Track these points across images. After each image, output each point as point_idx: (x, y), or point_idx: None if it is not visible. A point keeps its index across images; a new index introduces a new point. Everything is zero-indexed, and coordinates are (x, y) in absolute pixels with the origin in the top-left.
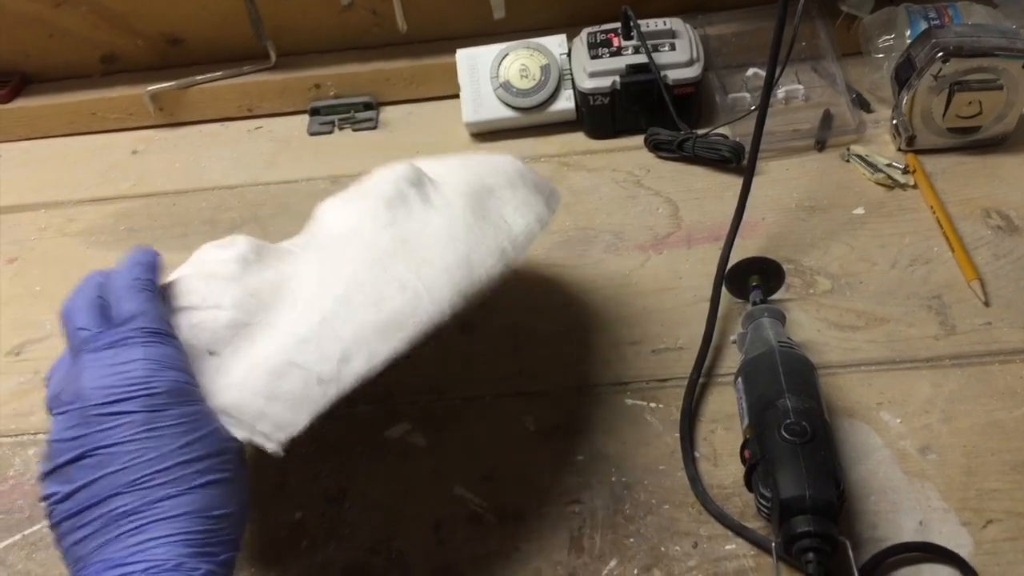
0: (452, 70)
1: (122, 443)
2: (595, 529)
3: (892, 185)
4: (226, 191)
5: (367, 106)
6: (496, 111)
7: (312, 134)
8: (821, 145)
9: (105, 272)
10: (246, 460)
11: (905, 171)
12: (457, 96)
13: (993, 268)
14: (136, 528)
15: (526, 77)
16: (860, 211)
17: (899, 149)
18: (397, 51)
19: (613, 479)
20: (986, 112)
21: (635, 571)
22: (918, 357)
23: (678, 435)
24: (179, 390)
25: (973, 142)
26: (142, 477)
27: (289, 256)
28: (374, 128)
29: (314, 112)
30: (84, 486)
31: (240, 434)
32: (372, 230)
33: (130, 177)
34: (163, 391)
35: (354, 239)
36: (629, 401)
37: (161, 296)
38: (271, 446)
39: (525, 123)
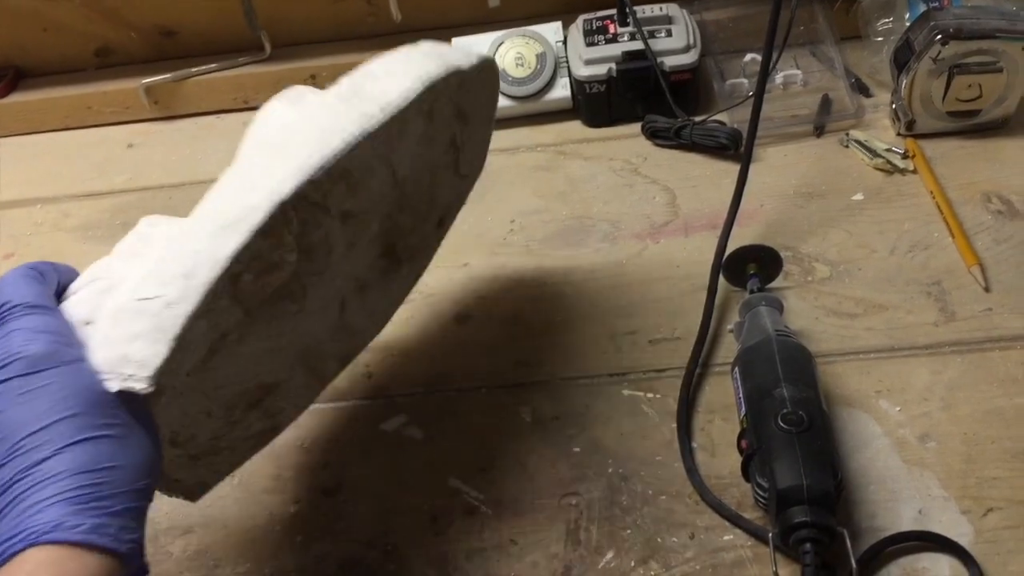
0: None
1: (2, 411)
2: (592, 521)
3: (891, 170)
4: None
5: None
6: None
7: None
8: (820, 130)
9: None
10: (147, 412)
11: (904, 156)
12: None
13: (994, 253)
14: (19, 496)
15: (521, 66)
16: (859, 197)
17: (898, 134)
18: (392, 41)
19: (610, 470)
20: (986, 95)
21: (632, 563)
22: (917, 344)
23: (675, 426)
24: (52, 352)
25: (973, 126)
26: (19, 443)
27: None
28: None
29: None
30: None
31: (113, 385)
32: (257, 130)
33: (126, 171)
34: (35, 354)
35: (241, 147)
36: (626, 392)
37: (60, 287)
38: (140, 386)
39: (521, 112)
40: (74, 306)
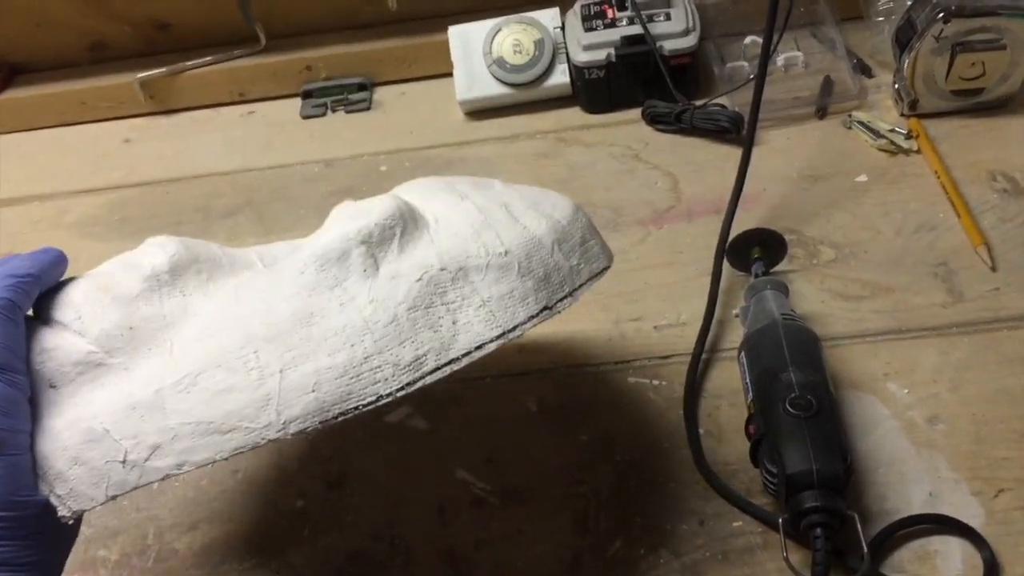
0: (445, 48)
1: None
2: (600, 509)
3: (895, 151)
4: (220, 177)
5: (360, 87)
6: (490, 88)
7: (305, 117)
8: (822, 112)
9: None
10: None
11: (908, 136)
12: (451, 74)
13: (1000, 232)
14: None
15: (519, 52)
16: (863, 178)
17: (902, 114)
18: (388, 30)
19: (617, 458)
20: (989, 73)
21: (641, 551)
22: (925, 326)
23: (682, 412)
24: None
25: (977, 104)
26: None
27: (217, 283)
28: (368, 109)
29: (307, 95)
30: None
31: (42, 488)
32: (286, 289)
33: (122, 166)
34: None
35: (263, 295)
36: (632, 379)
37: (39, 301)
38: (63, 511)
39: (520, 99)
40: (43, 353)
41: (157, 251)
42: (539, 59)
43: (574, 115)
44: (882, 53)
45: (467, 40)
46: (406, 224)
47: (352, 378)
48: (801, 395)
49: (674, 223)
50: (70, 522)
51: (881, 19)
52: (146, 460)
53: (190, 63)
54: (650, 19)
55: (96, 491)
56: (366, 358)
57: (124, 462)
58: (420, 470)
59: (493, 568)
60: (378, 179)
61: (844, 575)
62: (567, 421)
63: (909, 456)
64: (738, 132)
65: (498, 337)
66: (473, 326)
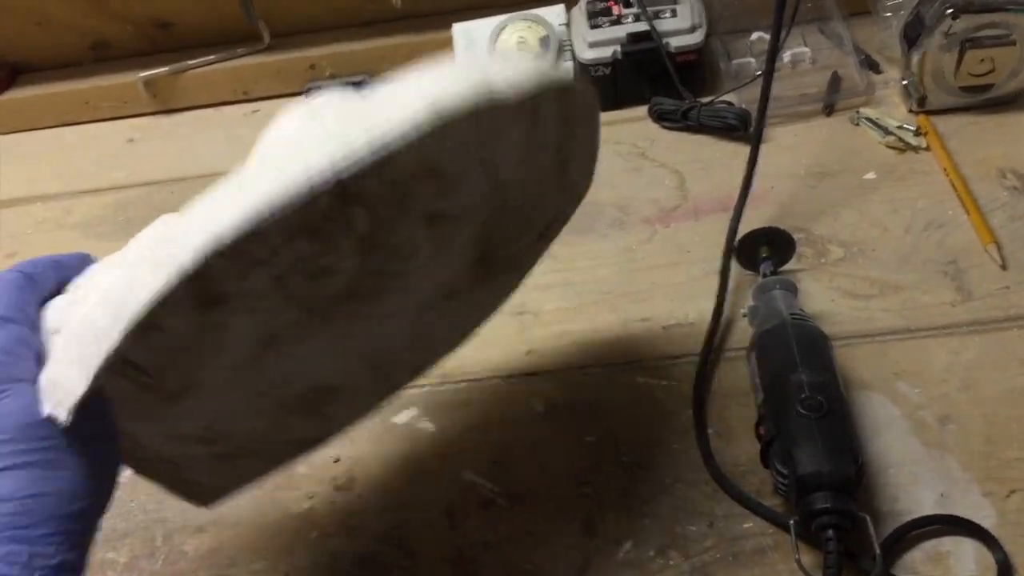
0: (449, 45)
1: None
2: (608, 511)
3: (904, 148)
4: (224, 177)
5: (364, 85)
6: None
7: None
8: (830, 109)
9: None
10: (105, 424)
11: (917, 133)
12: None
13: (1010, 230)
14: None
15: (525, 50)
16: (871, 176)
17: (910, 110)
18: (393, 27)
19: (625, 459)
20: (999, 69)
21: (651, 553)
22: (935, 325)
23: (691, 412)
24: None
25: (986, 100)
26: None
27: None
28: None
29: (310, 93)
30: None
31: (45, 410)
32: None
33: (126, 166)
34: None
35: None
36: (640, 379)
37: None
38: (60, 416)
39: None
40: (50, 313)
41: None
42: (544, 56)
43: None
44: (890, 49)
45: (472, 37)
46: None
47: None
48: (811, 396)
49: (681, 222)
50: (68, 422)
51: (889, 14)
52: (111, 324)
53: (193, 62)
54: (656, 16)
55: (81, 381)
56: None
57: (97, 336)
58: (427, 472)
59: (501, 570)
60: None
61: None
62: (574, 422)
63: (920, 457)
64: (745, 129)
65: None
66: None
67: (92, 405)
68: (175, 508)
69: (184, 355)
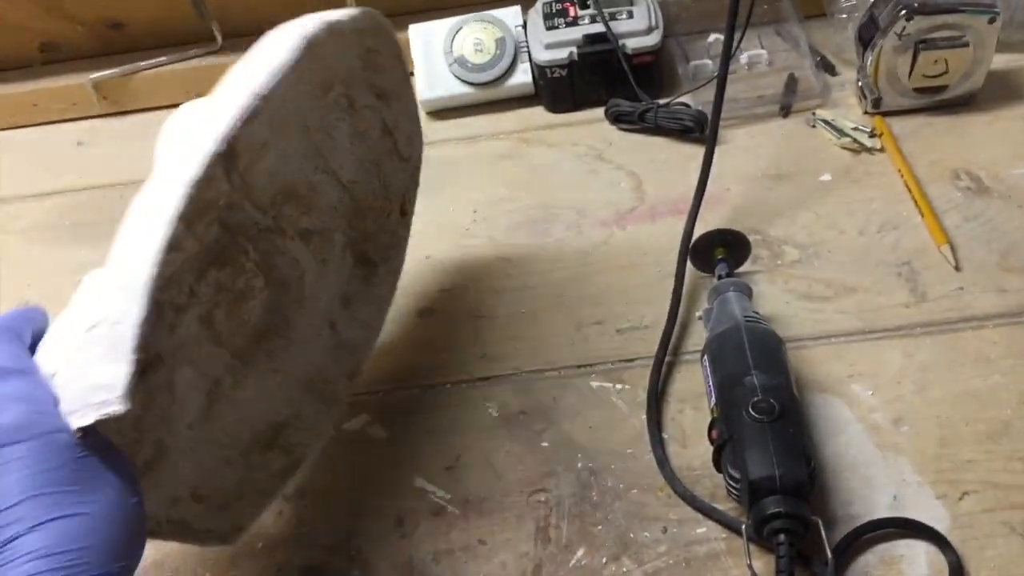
0: (405, 47)
1: None
2: (562, 518)
3: (859, 149)
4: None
5: None
6: (451, 87)
7: None
8: (786, 111)
9: None
10: (130, 473)
11: (872, 134)
12: (411, 73)
13: (963, 231)
14: None
15: (481, 51)
16: (827, 177)
17: (865, 112)
18: None
19: (579, 465)
20: (952, 71)
21: (603, 560)
22: (889, 326)
23: (645, 417)
24: (24, 423)
25: (940, 102)
26: None
27: None
28: None
29: None
30: None
31: (90, 418)
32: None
33: (75, 169)
34: (6, 425)
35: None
36: (595, 383)
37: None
38: (115, 408)
39: (482, 99)
40: (41, 363)
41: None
42: (501, 58)
43: (537, 115)
44: (846, 51)
45: (428, 39)
46: None
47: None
48: (764, 399)
49: (637, 224)
50: (126, 408)
51: (844, 16)
52: (124, 303)
53: (144, 63)
54: (612, 17)
55: (120, 365)
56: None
57: (114, 323)
58: (378, 480)
59: None
60: None
61: None
62: (528, 427)
63: (874, 459)
64: (702, 131)
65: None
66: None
67: (112, 453)
68: None
69: (145, 421)
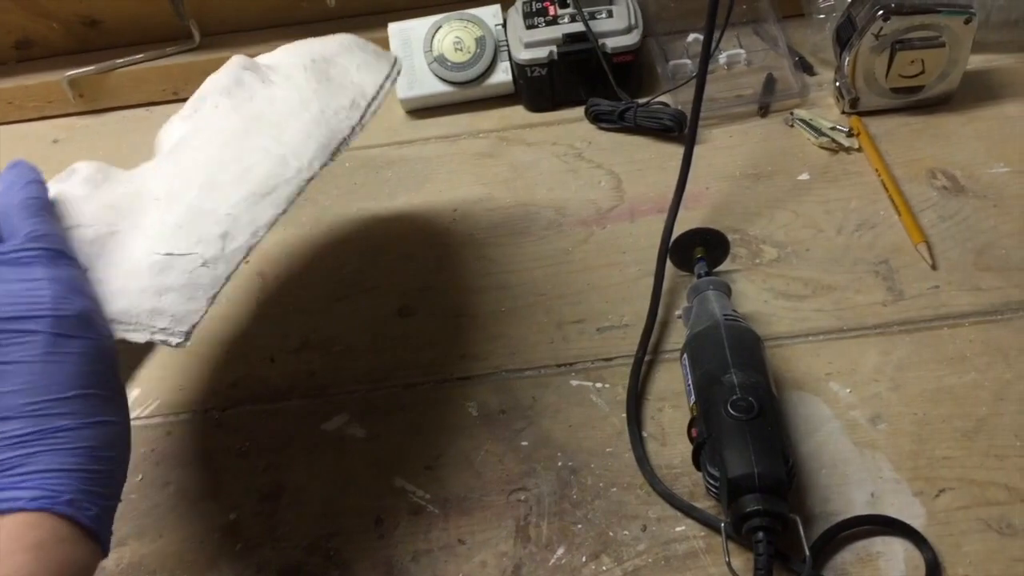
0: (385, 45)
1: (21, 362)
2: (541, 517)
3: (837, 149)
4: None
5: None
6: (431, 86)
7: None
8: (764, 110)
9: None
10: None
11: (849, 134)
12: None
13: (940, 230)
14: (27, 455)
15: (460, 50)
16: (805, 176)
17: (843, 112)
18: (327, 27)
19: (559, 464)
20: (929, 71)
21: (583, 558)
22: (866, 324)
23: (625, 415)
24: (87, 319)
25: (917, 102)
26: (40, 403)
27: (139, 171)
28: None
29: None
30: None
31: (139, 337)
32: (218, 117)
33: (51, 168)
34: (72, 316)
35: (200, 134)
36: (574, 382)
37: None
38: (175, 340)
39: (461, 98)
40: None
41: (72, 168)
42: (480, 57)
43: (517, 114)
44: (823, 50)
45: (407, 37)
46: (253, 61)
47: (325, 124)
48: (743, 397)
49: (617, 223)
50: (187, 345)
51: (822, 16)
52: (223, 249)
53: (121, 61)
54: (592, 16)
55: (195, 303)
56: (322, 111)
57: (205, 263)
58: (357, 480)
59: None
60: (316, 181)
61: None
62: (508, 426)
63: (852, 457)
64: (681, 130)
65: (386, 78)
66: (365, 79)
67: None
68: None
69: None
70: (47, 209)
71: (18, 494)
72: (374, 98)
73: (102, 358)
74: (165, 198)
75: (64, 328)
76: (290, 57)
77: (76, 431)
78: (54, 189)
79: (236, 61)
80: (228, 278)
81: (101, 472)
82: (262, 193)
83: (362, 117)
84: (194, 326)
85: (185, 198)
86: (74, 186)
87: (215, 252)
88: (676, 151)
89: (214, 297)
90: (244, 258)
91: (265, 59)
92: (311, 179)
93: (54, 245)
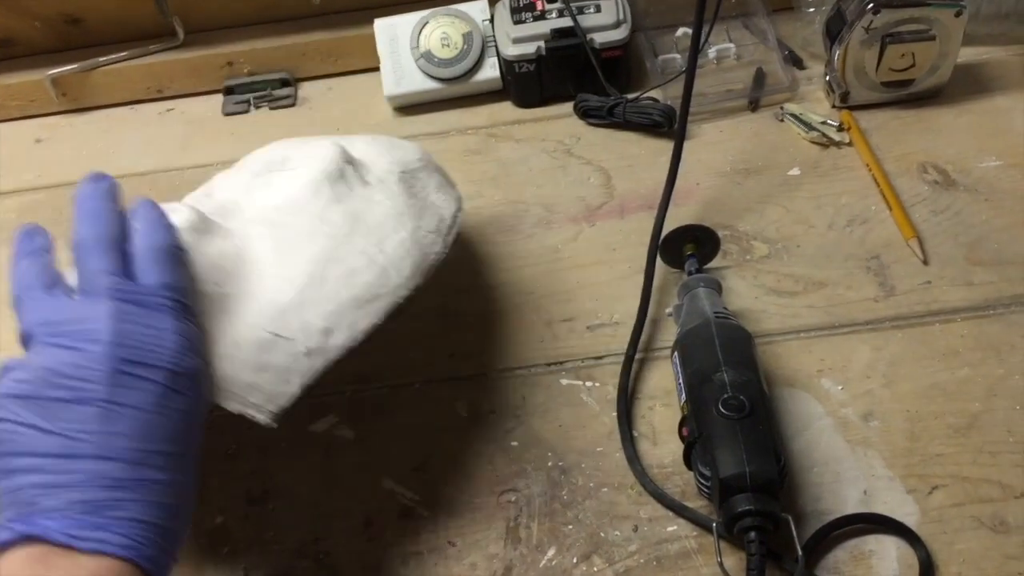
0: (371, 42)
1: (134, 408)
2: (532, 518)
3: (827, 143)
4: (137, 178)
5: (284, 83)
6: (418, 83)
7: (227, 114)
8: (754, 105)
9: (115, 212)
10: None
11: (840, 128)
12: (378, 69)
13: (931, 225)
14: (120, 500)
15: (448, 46)
16: (795, 172)
17: (833, 106)
18: (312, 23)
19: (549, 464)
20: (919, 64)
21: (574, 559)
22: (857, 321)
23: (615, 414)
24: (198, 378)
25: (907, 96)
26: (142, 451)
27: (231, 228)
28: (292, 105)
29: (229, 91)
30: (71, 435)
31: (232, 406)
32: (320, 206)
33: (34, 168)
34: (186, 373)
35: (302, 213)
36: (564, 381)
37: None
38: (262, 417)
39: (449, 94)
40: None
41: (174, 208)
42: (468, 53)
43: (505, 110)
44: (813, 44)
45: (394, 33)
46: (350, 153)
47: (418, 244)
48: (734, 396)
49: (607, 219)
50: (274, 425)
51: (812, 10)
52: (324, 343)
53: (104, 59)
54: (580, 11)
55: (289, 387)
56: (416, 229)
57: (308, 352)
58: (346, 482)
59: None
60: None
61: None
62: (498, 426)
63: (844, 454)
64: (670, 126)
65: (457, 210)
66: (442, 204)
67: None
68: None
69: None
70: (181, 260)
71: (108, 537)
72: (450, 228)
73: (198, 419)
74: (273, 275)
75: (177, 383)
76: (380, 158)
77: (167, 486)
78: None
79: (335, 149)
80: (320, 373)
81: (175, 531)
82: (364, 299)
83: (444, 245)
84: (282, 408)
85: (294, 283)
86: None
87: (316, 344)
88: (665, 147)
89: (306, 386)
90: (338, 357)
91: (355, 152)
92: (406, 297)
93: (183, 298)
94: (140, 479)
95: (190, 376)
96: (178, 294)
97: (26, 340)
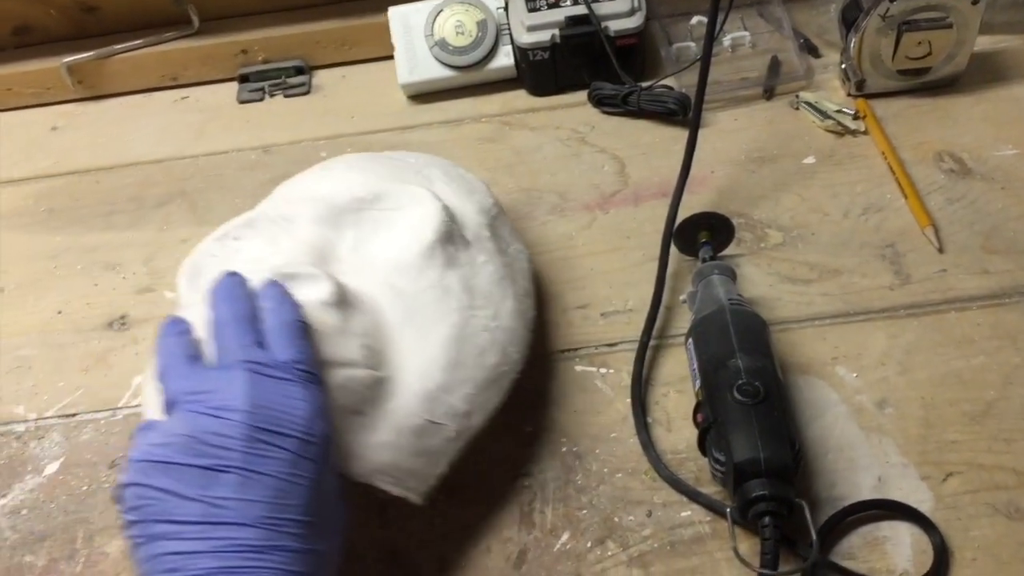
0: (385, 29)
1: (268, 475)
2: (546, 502)
3: (843, 132)
4: (152, 165)
5: (298, 71)
6: (433, 71)
7: (242, 102)
8: (769, 93)
9: (246, 295)
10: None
11: (855, 117)
12: (392, 57)
13: (947, 213)
14: (255, 568)
15: (462, 34)
16: (811, 160)
17: (849, 94)
18: (327, 11)
19: (564, 449)
20: (936, 52)
21: (588, 544)
22: (873, 308)
23: (630, 400)
24: (326, 447)
25: (924, 84)
26: (277, 519)
27: (368, 298)
28: (307, 93)
29: (243, 79)
30: (212, 502)
31: (393, 489)
32: (438, 273)
33: (50, 155)
34: (317, 442)
35: (422, 279)
36: (579, 368)
37: None
38: (415, 497)
39: (463, 82)
40: (338, 389)
41: (313, 277)
42: (482, 41)
43: (519, 98)
44: (829, 32)
45: (408, 21)
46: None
47: (521, 313)
48: (748, 382)
49: (621, 207)
50: (424, 503)
51: None
52: (466, 425)
53: (119, 47)
54: None
55: (437, 468)
56: (516, 295)
57: (457, 436)
58: None
59: (438, 567)
60: None
61: (794, 563)
62: (512, 412)
63: (858, 441)
64: (685, 114)
65: (528, 255)
66: (517, 252)
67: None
68: (96, 508)
69: None
70: (307, 335)
71: None
72: (531, 282)
73: (328, 487)
74: (416, 355)
75: (306, 451)
76: (465, 206)
77: (300, 554)
78: (307, 304)
79: (438, 208)
80: (458, 452)
81: None
82: (492, 380)
83: (533, 307)
84: (431, 487)
85: (438, 364)
86: (328, 311)
87: (460, 427)
88: (680, 135)
89: (447, 465)
90: (471, 438)
91: (441, 195)
92: (516, 376)
93: (312, 369)
94: (275, 546)
95: (318, 444)
96: (306, 365)
97: (169, 406)
